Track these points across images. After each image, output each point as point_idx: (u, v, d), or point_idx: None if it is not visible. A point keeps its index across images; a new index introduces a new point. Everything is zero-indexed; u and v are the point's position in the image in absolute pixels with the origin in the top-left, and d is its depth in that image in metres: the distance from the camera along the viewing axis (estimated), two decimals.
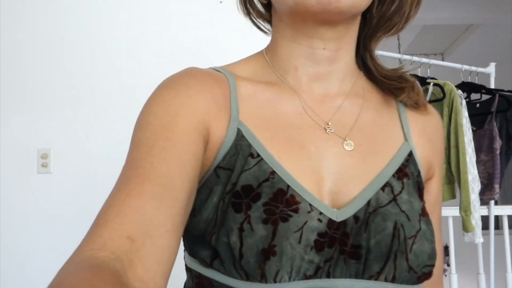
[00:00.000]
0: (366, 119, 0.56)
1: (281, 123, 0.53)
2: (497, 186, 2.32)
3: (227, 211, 0.47)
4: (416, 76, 2.18)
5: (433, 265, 0.50)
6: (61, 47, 2.00)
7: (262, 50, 0.60)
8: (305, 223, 0.46)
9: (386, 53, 2.22)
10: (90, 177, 1.91)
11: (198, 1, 2.05)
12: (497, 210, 2.48)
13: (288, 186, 0.48)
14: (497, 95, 2.44)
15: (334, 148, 0.52)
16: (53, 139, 1.95)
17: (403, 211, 0.50)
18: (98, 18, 2.03)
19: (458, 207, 2.16)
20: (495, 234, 2.44)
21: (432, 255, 0.50)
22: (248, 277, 0.45)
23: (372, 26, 0.57)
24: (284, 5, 0.51)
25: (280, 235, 0.45)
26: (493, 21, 3.98)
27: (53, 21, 2.02)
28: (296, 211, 0.46)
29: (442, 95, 2.15)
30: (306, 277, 0.45)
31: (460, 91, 2.21)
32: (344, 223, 0.48)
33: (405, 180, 0.53)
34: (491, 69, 2.50)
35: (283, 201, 0.47)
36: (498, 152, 2.33)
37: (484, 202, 2.38)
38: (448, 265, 2.09)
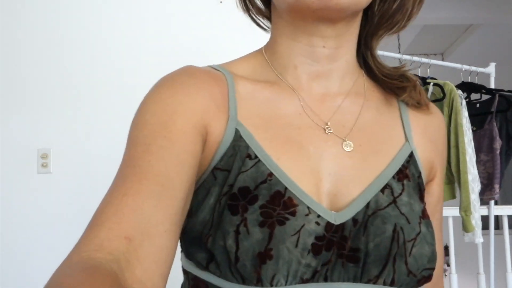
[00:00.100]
0: (366, 119, 0.55)
1: (280, 123, 0.52)
2: (497, 186, 2.32)
3: (224, 213, 0.46)
4: (416, 76, 2.18)
5: (433, 268, 0.49)
6: (61, 47, 2.00)
7: (261, 48, 0.59)
8: (303, 226, 0.45)
9: (386, 53, 2.22)
10: (90, 177, 1.91)
11: (198, 1, 2.05)
12: (497, 210, 2.49)
13: (286, 188, 0.47)
14: (497, 95, 2.44)
15: (333, 149, 0.51)
16: (53, 139, 1.95)
17: (403, 214, 0.49)
18: (98, 18, 2.03)
19: (458, 207, 2.16)
20: (495, 234, 2.44)
21: (432, 258, 0.49)
22: (244, 281, 0.44)
23: (373, 24, 0.56)
24: (283, 2, 0.50)
25: (277, 238, 0.44)
26: (493, 21, 3.98)
27: (53, 21, 2.02)
28: (293, 214, 0.45)
29: (442, 95, 2.15)
30: (303, 281, 0.45)
31: (460, 91, 2.21)
32: (342, 226, 0.47)
33: (405, 181, 0.52)
34: (491, 69, 2.50)
35: (280, 203, 0.46)
36: (498, 152, 2.33)
37: (484, 202, 2.38)
38: (448, 265, 2.09)
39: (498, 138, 2.34)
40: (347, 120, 0.54)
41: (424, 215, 0.51)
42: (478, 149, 2.33)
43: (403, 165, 0.53)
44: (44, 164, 1.93)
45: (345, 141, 0.52)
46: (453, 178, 2.18)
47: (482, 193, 2.33)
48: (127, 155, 0.45)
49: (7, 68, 1.98)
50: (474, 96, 2.49)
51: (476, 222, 2.16)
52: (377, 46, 0.58)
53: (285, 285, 0.44)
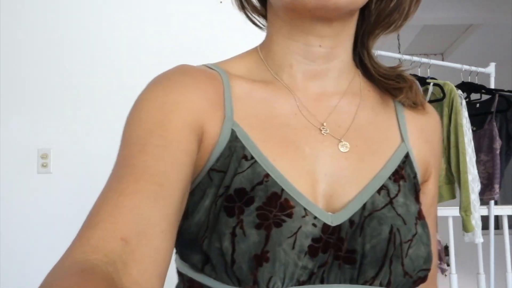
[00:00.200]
0: (362, 119, 0.55)
1: (276, 124, 0.51)
2: (497, 186, 2.32)
3: (220, 215, 0.45)
4: (416, 76, 2.18)
5: (428, 269, 0.49)
6: (61, 47, 2.00)
7: (256, 46, 0.58)
8: (299, 228, 0.45)
9: (386, 53, 2.22)
10: (90, 177, 1.91)
11: (198, 1, 2.05)
12: (497, 210, 2.49)
13: (282, 189, 0.46)
14: (497, 95, 2.44)
15: (329, 150, 0.51)
16: (53, 139, 1.95)
17: (399, 215, 0.49)
18: (98, 18, 2.03)
19: (458, 207, 2.16)
20: (495, 234, 2.44)
21: (428, 259, 0.49)
22: (240, 283, 0.44)
23: (370, 23, 0.55)
24: (280, 0, 0.49)
25: (273, 240, 0.43)
26: (493, 21, 3.98)
27: (53, 21, 2.02)
28: (290, 215, 0.45)
29: (442, 95, 2.15)
30: (300, 283, 0.44)
31: (460, 91, 2.21)
32: (339, 227, 0.46)
33: (401, 182, 0.52)
34: (491, 69, 2.50)
35: (276, 205, 0.45)
36: (498, 152, 2.33)
37: (484, 202, 2.38)
38: (448, 265, 2.09)
39: (498, 138, 2.34)
40: (343, 120, 0.54)
41: (420, 216, 0.51)
42: (478, 149, 2.34)
43: (399, 166, 0.53)
44: (44, 164, 1.93)
45: (341, 141, 0.52)
46: (453, 178, 2.18)
47: (482, 193, 2.33)
48: (121, 155, 0.44)
49: (7, 68, 1.98)
50: (474, 96, 2.49)
51: (476, 222, 2.16)
52: (373, 45, 0.58)
53: (282, 287, 0.44)
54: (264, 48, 0.56)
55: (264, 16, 0.59)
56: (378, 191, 0.50)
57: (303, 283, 0.44)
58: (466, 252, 3.10)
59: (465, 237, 2.23)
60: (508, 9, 3.67)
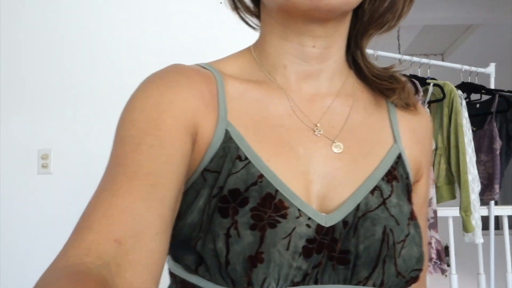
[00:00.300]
0: (355, 120, 0.55)
1: (270, 124, 0.51)
2: (497, 187, 2.32)
3: (213, 216, 0.45)
4: (416, 76, 2.18)
5: (420, 269, 0.49)
6: (61, 47, 2.00)
7: (250, 46, 0.58)
8: (294, 229, 0.45)
9: (386, 53, 2.22)
10: (90, 177, 1.90)
11: (198, 1, 2.05)
12: (497, 210, 2.49)
13: (277, 190, 0.46)
14: (497, 95, 2.44)
15: (323, 150, 0.51)
16: (53, 140, 1.95)
17: (392, 215, 0.49)
18: (98, 18, 2.03)
19: (458, 208, 2.16)
20: (495, 235, 2.44)
21: (420, 259, 0.49)
22: (234, 284, 0.44)
23: (364, 24, 0.55)
24: (273, 1, 0.49)
25: (268, 241, 0.43)
26: (493, 21, 3.99)
27: (53, 21, 2.02)
28: (284, 216, 0.45)
29: (442, 95, 2.15)
30: (294, 284, 0.44)
31: (460, 92, 2.21)
32: (332, 228, 0.47)
33: (394, 183, 0.52)
34: (491, 69, 2.50)
35: (271, 206, 0.45)
36: (498, 152, 2.33)
37: (484, 202, 2.38)
38: (448, 265, 2.09)
39: (498, 138, 2.34)
40: (336, 121, 0.54)
41: (412, 216, 0.51)
42: (478, 150, 2.34)
43: (392, 167, 0.53)
44: (45, 165, 1.93)
45: (335, 142, 0.52)
46: (453, 178, 2.18)
47: (482, 193, 2.33)
48: (114, 155, 0.44)
49: (7, 68, 1.98)
50: (474, 97, 2.49)
51: (476, 222, 2.16)
52: (367, 45, 0.58)
53: None
54: (257, 48, 0.56)
55: (257, 17, 0.59)
56: (372, 192, 0.50)
57: (297, 284, 0.44)
58: (466, 252, 3.10)
59: (465, 237, 2.23)
60: (508, 9, 3.67)
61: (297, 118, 0.52)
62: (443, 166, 2.18)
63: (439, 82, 2.19)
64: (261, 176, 0.47)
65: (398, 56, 2.28)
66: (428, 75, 2.31)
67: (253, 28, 0.61)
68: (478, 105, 2.50)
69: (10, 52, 1.99)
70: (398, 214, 0.50)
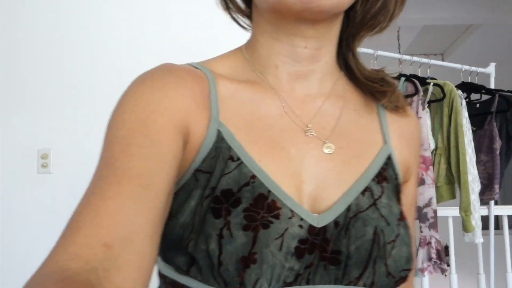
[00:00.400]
0: (346, 121, 0.55)
1: (262, 125, 0.51)
2: (497, 187, 2.32)
3: (206, 217, 0.44)
4: (416, 76, 2.18)
5: (410, 269, 0.50)
6: (61, 47, 2.00)
7: (241, 46, 0.57)
8: (286, 229, 0.45)
9: (386, 53, 2.22)
10: (90, 177, 1.91)
11: (198, 1, 2.05)
12: (497, 210, 2.49)
13: (269, 191, 0.46)
14: (497, 95, 2.44)
15: (314, 151, 0.51)
16: (53, 139, 1.95)
17: (383, 216, 0.49)
18: (98, 18, 2.03)
19: (458, 207, 2.16)
20: (495, 234, 2.44)
21: (410, 259, 0.50)
22: (226, 285, 0.43)
23: (355, 25, 0.55)
24: (265, 1, 0.49)
25: (261, 242, 0.43)
26: (493, 21, 3.99)
27: (53, 21, 2.02)
28: (277, 217, 0.45)
29: (442, 95, 2.15)
30: (286, 285, 0.44)
31: (460, 91, 2.21)
32: (324, 228, 0.47)
33: (384, 184, 0.52)
34: (491, 69, 2.50)
35: (264, 206, 0.45)
36: (498, 152, 2.33)
37: (484, 202, 2.38)
38: (448, 265, 2.09)
39: (498, 138, 2.34)
40: (327, 122, 0.54)
41: (401, 217, 0.52)
42: (478, 150, 2.34)
43: (382, 168, 0.53)
44: (44, 164, 1.93)
45: (326, 143, 0.52)
46: (453, 179, 2.18)
47: (482, 193, 2.33)
48: (104, 156, 0.43)
49: (7, 68, 1.98)
50: (474, 96, 2.49)
51: (476, 222, 2.16)
52: (358, 47, 0.58)
53: None
54: (249, 48, 0.56)
55: (249, 17, 0.59)
56: (362, 193, 0.50)
57: (289, 285, 0.44)
58: (466, 252, 3.10)
59: (465, 237, 2.23)
60: (508, 9, 3.67)
61: (289, 119, 0.52)
62: (443, 166, 2.18)
63: (439, 82, 2.19)
64: (254, 176, 0.46)
65: (398, 56, 2.28)
66: (428, 75, 2.31)
67: (245, 28, 0.61)
68: (478, 105, 2.50)
69: (10, 52, 1.99)
70: (388, 214, 0.50)
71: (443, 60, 4.79)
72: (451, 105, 2.15)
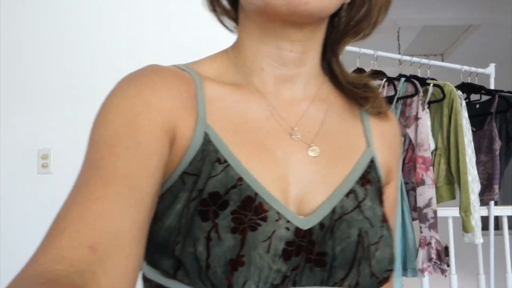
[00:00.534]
0: (330, 125, 0.56)
1: (248, 127, 0.51)
2: (496, 187, 2.33)
3: (193, 219, 0.44)
4: (416, 77, 2.18)
5: (392, 270, 0.50)
6: (61, 47, 2.01)
7: (227, 48, 0.58)
8: (274, 232, 0.45)
9: (386, 53, 2.22)
10: None
11: (198, 1, 2.04)
12: (496, 210, 2.49)
13: (256, 193, 0.46)
14: (496, 95, 2.44)
15: (299, 154, 0.52)
16: (53, 140, 1.95)
17: (367, 218, 0.50)
18: (98, 18, 2.03)
19: (458, 208, 2.16)
20: (495, 235, 2.44)
21: (392, 260, 0.50)
22: None
23: (339, 31, 0.56)
24: (252, 4, 0.49)
25: (249, 244, 0.43)
26: (493, 21, 3.99)
27: (53, 21, 2.02)
28: (264, 219, 0.45)
29: (442, 96, 2.15)
30: (273, 287, 0.44)
31: (460, 92, 2.22)
32: (310, 231, 0.47)
33: (368, 186, 0.53)
34: (490, 69, 2.50)
35: (251, 209, 0.45)
36: (497, 153, 2.33)
37: (483, 202, 2.38)
38: (448, 265, 2.09)
39: (497, 139, 2.34)
40: (312, 125, 0.55)
41: (384, 219, 0.53)
42: (477, 150, 2.34)
43: (365, 170, 0.54)
44: (45, 165, 1.93)
45: (311, 146, 0.53)
46: (453, 179, 2.18)
47: (481, 194, 2.34)
48: (89, 157, 0.43)
49: (7, 68, 1.98)
50: (474, 97, 2.50)
51: (476, 222, 2.16)
52: (342, 52, 0.59)
53: None
54: (235, 51, 0.56)
55: (234, 19, 0.59)
56: (347, 195, 0.51)
57: (276, 286, 0.45)
58: (466, 253, 3.10)
59: (465, 237, 2.23)
60: (507, 10, 3.68)
61: (275, 122, 0.53)
62: (443, 166, 2.18)
63: (439, 82, 2.19)
64: (241, 179, 0.46)
65: (398, 56, 2.28)
66: (428, 75, 2.31)
67: (231, 31, 0.61)
68: (477, 106, 2.50)
69: (10, 52, 1.99)
70: (372, 216, 0.51)
71: (443, 60, 4.79)
72: (451, 105, 2.15)
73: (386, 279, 0.50)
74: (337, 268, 0.47)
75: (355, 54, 2.13)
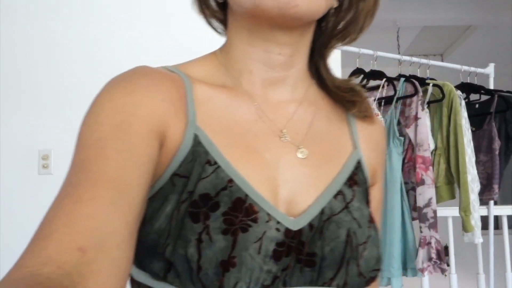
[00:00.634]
0: (318, 127, 0.57)
1: (237, 129, 0.51)
2: (496, 187, 2.33)
3: (184, 221, 0.44)
4: (415, 77, 2.19)
5: (379, 269, 0.51)
6: (62, 47, 2.01)
7: (215, 51, 0.58)
8: (264, 233, 0.45)
9: (385, 54, 2.22)
10: None
11: None
12: (496, 210, 2.49)
13: (246, 195, 0.46)
14: (496, 95, 2.44)
15: (288, 156, 0.52)
16: (54, 140, 1.95)
17: (355, 218, 0.51)
18: (98, 18, 2.04)
19: (458, 207, 2.16)
20: (495, 234, 2.44)
21: (379, 260, 0.51)
22: None
23: (327, 35, 0.57)
24: (241, 6, 0.49)
25: (240, 246, 0.43)
26: (492, 22, 3.99)
27: (53, 21, 2.02)
28: (255, 220, 0.45)
29: (441, 95, 2.15)
30: (264, 287, 0.45)
31: (459, 92, 2.22)
32: (300, 231, 0.47)
33: (355, 187, 0.54)
34: (490, 69, 2.50)
35: (242, 210, 0.45)
36: (497, 152, 2.34)
37: (483, 202, 2.38)
38: (448, 265, 2.10)
39: (497, 138, 2.35)
40: (300, 127, 0.55)
41: (371, 219, 0.53)
42: (477, 150, 2.34)
43: (352, 172, 0.55)
44: (45, 165, 1.94)
45: (300, 148, 0.53)
46: (453, 179, 2.18)
47: (481, 194, 2.34)
48: (77, 159, 0.42)
49: (7, 68, 1.98)
50: (473, 97, 2.50)
51: (475, 222, 2.16)
52: (329, 56, 0.60)
53: None
54: (223, 53, 0.57)
55: (222, 21, 0.60)
56: (335, 196, 0.52)
57: (267, 287, 0.45)
58: (465, 252, 3.11)
59: (464, 237, 2.23)
60: (507, 10, 3.68)
61: (264, 124, 0.53)
62: (442, 166, 2.18)
63: (439, 82, 2.20)
64: (231, 180, 0.47)
65: (397, 56, 2.29)
66: (428, 75, 2.32)
67: (219, 33, 0.61)
68: (477, 106, 2.50)
69: (10, 52, 1.99)
70: (360, 217, 0.52)
71: (442, 60, 4.80)
72: (451, 105, 2.16)
73: (373, 279, 0.51)
74: (326, 268, 0.48)
75: (355, 54, 2.13)
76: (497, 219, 2.89)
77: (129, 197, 0.40)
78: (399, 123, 2.07)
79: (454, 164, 2.14)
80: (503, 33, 4.38)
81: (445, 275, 2.05)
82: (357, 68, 2.16)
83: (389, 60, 2.24)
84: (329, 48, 0.58)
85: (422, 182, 1.98)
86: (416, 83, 2.08)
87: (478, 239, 2.22)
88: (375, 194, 0.61)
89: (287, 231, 0.47)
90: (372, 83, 2.19)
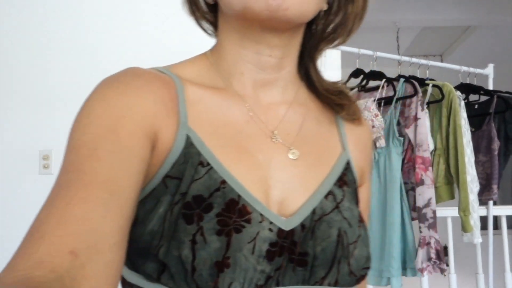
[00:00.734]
0: (308, 129, 0.57)
1: (229, 130, 0.52)
2: (495, 187, 2.33)
3: (178, 223, 0.44)
4: (415, 77, 2.19)
5: (369, 268, 0.52)
6: (62, 47, 2.01)
7: (206, 52, 0.58)
8: (258, 233, 0.46)
9: (385, 54, 2.23)
10: None
11: None
12: (495, 210, 2.49)
13: (239, 196, 0.46)
14: (495, 96, 2.45)
15: (280, 157, 0.53)
16: (54, 140, 1.95)
17: (345, 218, 0.52)
18: (98, 19, 2.04)
19: (457, 208, 2.17)
20: (494, 234, 2.45)
21: (369, 258, 0.53)
22: None
23: (316, 38, 0.58)
24: (231, 8, 0.50)
25: (234, 246, 0.44)
26: (492, 22, 4.00)
27: (53, 21, 2.02)
28: (248, 221, 0.45)
29: (441, 96, 2.16)
30: (257, 287, 0.45)
31: (458, 92, 2.22)
32: (292, 231, 0.48)
33: (345, 188, 0.55)
34: (489, 70, 2.51)
35: (235, 211, 0.45)
36: (496, 153, 2.34)
37: (482, 202, 2.39)
38: (447, 265, 2.10)
39: (496, 139, 2.35)
40: (291, 129, 0.56)
41: (361, 219, 0.54)
42: (476, 150, 2.34)
43: (342, 173, 0.56)
44: (46, 165, 1.94)
45: (291, 149, 0.54)
46: (452, 179, 2.19)
47: (480, 194, 2.34)
48: (68, 160, 0.42)
49: (8, 69, 1.99)
50: (473, 97, 2.50)
51: (475, 222, 2.17)
52: (318, 59, 0.61)
53: None
54: (214, 54, 0.57)
55: (212, 23, 0.60)
56: (326, 197, 0.52)
57: (260, 287, 0.45)
58: (465, 252, 3.11)
59: (464, 237, 2.23)
60: (506, 11, 3.69)
61: (255, 125, 0.54)
62: (442, 166, 2.19)
63: (438, 83, 2.20)
64: (224, 182, 0.47)
65: (397, 57, 2.29)
66: (427, 76, 2.32)
67: (209, 34, 0.62)
68: (476, 106, 2.51)
69: (10, 52, 2.00)
70: (350, 217, 0.52)
71: (442, 61, 4.80)
72: (450, 106, 2.16)
73: (362, 277, 0.52)
74: (318, 267, 0.48)
75: (354, 54, 2.14)
76: (496, 219, 2.89)
77: (121, 199, 0.40)
78: (398, 123, 2.08)
79: (454, 164, 2.14)
80: (502, 34, 4.38)
81: (445, 275, 2.06)
82: (357, 69, 2.17)
83: (389, 60, 2.25)
84: (319, 50, 0.59)
85: (421, 182, 1.98)
86: (416, 83, 2.09)
87: (477, 239, 2.23)
88: (363, 195, 0.62)
89: (280, 231, 0.47)
90: (372, 83, 2.19)
